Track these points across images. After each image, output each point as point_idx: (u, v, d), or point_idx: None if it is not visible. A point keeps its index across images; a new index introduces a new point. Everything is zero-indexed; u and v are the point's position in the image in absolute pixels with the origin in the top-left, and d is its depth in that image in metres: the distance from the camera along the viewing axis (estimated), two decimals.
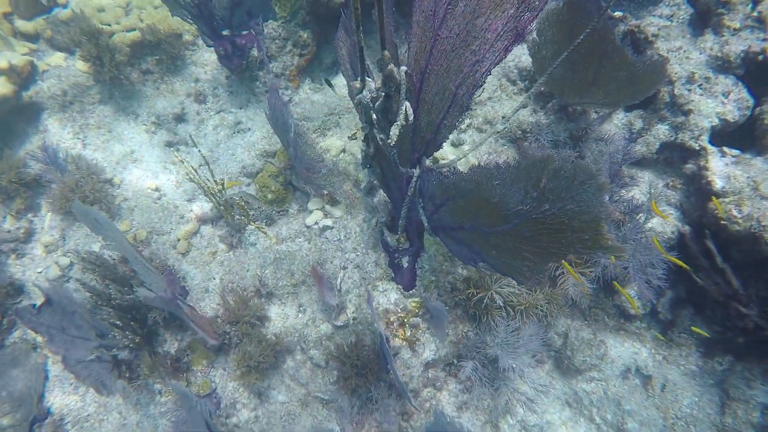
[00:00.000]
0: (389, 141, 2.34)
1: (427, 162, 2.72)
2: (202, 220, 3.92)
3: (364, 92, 2.38)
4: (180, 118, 4.36)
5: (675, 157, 3.73)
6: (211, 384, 3.48)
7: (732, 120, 3.46)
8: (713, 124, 3.46)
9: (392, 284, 3.42)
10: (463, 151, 3.92)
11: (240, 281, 3.68)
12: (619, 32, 3.97)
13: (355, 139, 3.90)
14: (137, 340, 3.18)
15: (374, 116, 2.64)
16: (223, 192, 3.38)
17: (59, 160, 3.80)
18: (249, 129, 4.32)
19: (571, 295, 3.40)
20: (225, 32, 4.09)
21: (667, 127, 3.66)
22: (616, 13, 4.06)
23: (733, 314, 3.39)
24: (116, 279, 3.28)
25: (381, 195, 3.50)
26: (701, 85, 3.53)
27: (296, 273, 3.63)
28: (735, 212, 3.06)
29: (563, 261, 3.40)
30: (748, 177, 3.23)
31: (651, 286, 3.35)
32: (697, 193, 3.54)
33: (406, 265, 3.33)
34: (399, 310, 3.33)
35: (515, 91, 4.25)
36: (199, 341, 3.41)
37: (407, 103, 2.39)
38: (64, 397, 3.58)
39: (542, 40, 3.50)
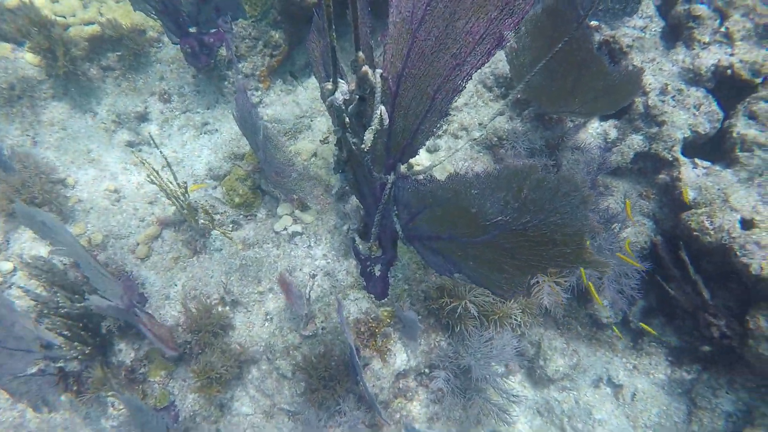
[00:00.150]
0: (363, 146, 2.23)
1: (402, 168, 2.62)
2: (165, 224, 3.71)
3: (336, 94, 2.26)
4: (143, 118, 4.14)
5: (648, 168, 3.75)
6: (169, 396, 3.28)
7: (703, 132, 3.50)
8: (685, 135, 3.50)
9: (364, 293, 3.31)
10: (439, 157, 3.85)
11: (203, 288, 3.49)
12: (595, 42, 3.98)
13: (328, 143, 3.77)
14: (88, 351, 2.96)
15: (347, 120, 2.52)
16: (187, 195, 3.20)
17: (3, 158, 3.52)
18: (216, 130, 4.13)
19: (545, 305, 3.37)
20: (192, 29, 3.89)
21: (641, 137, 3.68)
22: (592, 23, 4.07)
23: (701, 324, 3.42)
24: (65, 286, 3.05)
25: (353, 201, 3.38)
26: (674, 96, 3.57)
27: (263, 280, 3.47)
28: (707, 224, 3.08)
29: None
30: (719, 188, 3.27)
31: (624, 295, 3.35)
32: (670, 204, 3.57)
33: (378, 273, 3.22)
34: (370, 320, 3.21)
35: (491, 97, 4.21)
36: (157, 351, 3.21)
37: (382, 107, 2.29)
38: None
39: (520, 47, 3.47)
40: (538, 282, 3.34)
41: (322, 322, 3.27)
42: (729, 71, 3.52)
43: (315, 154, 3.74)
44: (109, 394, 3.22)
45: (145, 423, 2.88)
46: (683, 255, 3.20)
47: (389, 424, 3.09)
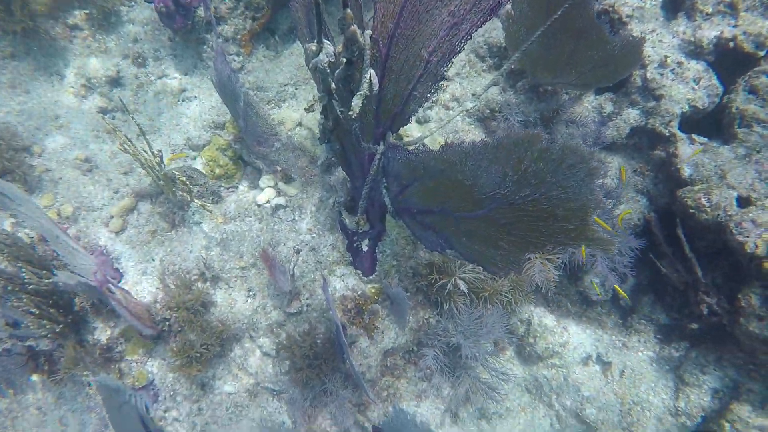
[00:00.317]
0: (350, 113, 2.07)
1: (392, 137, 2.47)
2: (140, 196, 3.51)
3: (321, 56, 2.09)
4: (115, 82, 3.87)
5: (644, 143, 3.65)
6: (147, 375, 3.16)
7: (701, 107, 3.40)
8: (683, 110, 3.39)
9: (350, 269, 3.19)
10: (430, 128, 3.69)
11: (182, 263, 3.33)
12: (594, 11, 3.81)
13: (313, 111, 3.55)
14: (58, 330, 2.80)
15: (333, 85, 2.35)
16: (162, 165, 3.00)
17: None
18: (195, 97, 3.89)
19: (536, 282, 3.29)
20: None
21: (638, 111, 3.56)
22: None
23: (691, 302, 3.39)
24: (32, 260, 2.87)
25: (340, 173, 3.22)
26: (673, 69, 3.44)
27: (245, 255, 3.33)
28: (704, 201, 3.00)
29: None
30: (716, 165, 3.19)
31: (617, 273, 3.29)
32: (666, 180, 3.49)
33: (365, 249, 3.10)
34: (357, 297, 3.10)
35: (484, 68, 4.03)
36: (134, 330, 3.06)
37: (372, 71, 2.12)
38: None
39: (517, 13, 3.29)
40: (529, 259, 3.25)
41: (307, 299, 3.15)
42: (731, 44, 3.39)
43: (300, 124, 3.55)
44: (84, 373, 3.09)
45: (122, 403, 2.75)
46: (680, 232, 3.13)
47: (376, 402, 3.02)
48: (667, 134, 3.44)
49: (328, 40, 2.07)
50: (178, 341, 3.01)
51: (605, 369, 3.51)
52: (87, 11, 3.78)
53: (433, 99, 3.84)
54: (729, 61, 3.49)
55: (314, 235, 3.30)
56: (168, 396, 3.13)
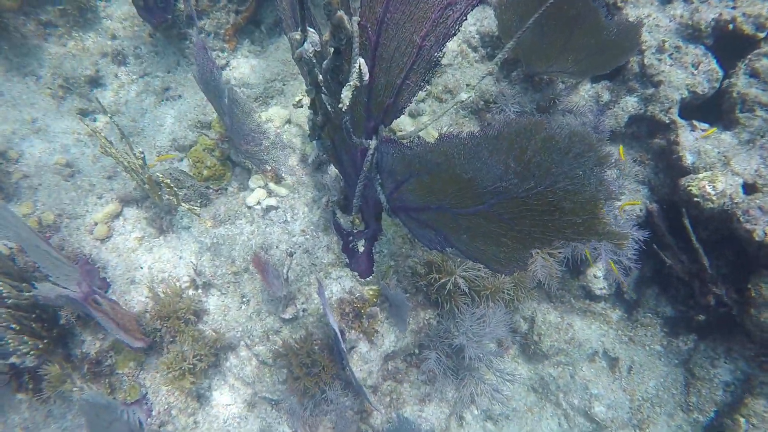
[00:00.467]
0: (340, 106, 1.94)
1: (385, 132, 2.34)
2: (126, 201, 3.37)
3: (306, 45, 1.96)
4: (95, 82, 3.72)
5: (643, 131, 3.56)
6: (140, 389, 3.02)
7: (701, 92, 3.30)
8: (683, 96, 3.30)
9: (346, 271, 3.06)
10: (423, 122, 3.57)
11: (172, 270, 3.20)
12: None
13: (302, 107, 3.44)
14: (41, 346, 2.66)
15: (321, 77, 2.22)
16: (146, 167, 2.86)
17: None
18: (180, 96, 3.75)
19: (539, 278, 3.19)
20: None
21: (636, 99, 3.47)
22: None
23: (697, 293, 3.30)
24: (11, 273, 2.72)
25: (332, 171, 3.10)
26: (671, 54, 3.34)
27: (237, 259, 3.20)
28: (709, 189, 2.91)
29: None
30: (719, 152, 3.10)
31: (621, 266, 3.20)
32: (667, 169, 3.39)
33: (361, 249, 2.98)
34: (355, 300, 2.99)
35: (476, 58, 3.92)
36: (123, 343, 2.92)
37: (361, 60, 1.99)
38: None
39: (509, 0, 3.17)
40: (531, 254, 3.15)
41: (302, 303, 3.03)
42: (731, 26, 3.30)
43: (289, 121, 3.42)
44: (73, 390, 2.95)
45: (113, 421, 2.62)
46: (686, 222, 3.04)
47: (379, 410, 2.91)
48: (667, 121, 3.35)
49: (313, 29, 1.94)
50: (169, 353, 2.87)
51: (612, 365, 3.42)
52: (61, 7, 3.61)
53: (427, 89, 3.73)
54: (728, 45, 3.40)
55: (308, 236, 3.18)
56: (162, 410, 2.99)
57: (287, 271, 3.04)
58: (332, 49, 2.01)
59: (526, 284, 3.19)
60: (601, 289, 3.51)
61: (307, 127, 3.03)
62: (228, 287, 3.17)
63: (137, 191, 3.33)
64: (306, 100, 3.49)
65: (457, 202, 2.02)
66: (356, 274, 3.04)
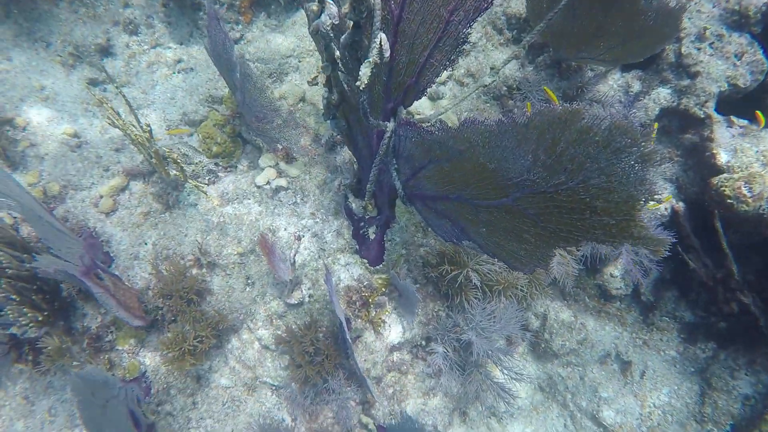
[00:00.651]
0: (358, 84, 1.81)
1: (404, 114, 2.21)
2: (132, 174, 3.28)
3: (323, 17, 1.82)
4: (106, 51, 3.60)
5: (674, 126, 3.37)
6: (140, 366, 2.97)
7: (743, 85, 3.10)
8: (721, 89, 3.09)
9: (356, 257, 2.96)
10: (443, 106, 3.41)
11: (177, 248, 3.12)
12: None
13: (317, 84, 3.30)
14: (41, 318, 2.61)
15: (338, 53, 2.08)
16: (152, 141, 2.76)
17: None
18: (192, 69, 3.63)
19: (554, 275, 3.06)
20: None
21: (669, 90, 3.27)
22: None
23: (720, 299, 3.15)
24: (14, 243, 2.66)
25: (346, 153, 2.97)
26: (712, 43, 3.13)
27: (244, 240, 3.11)
28: (744, 191, 2.74)
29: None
30: (758, 151, 2.91)
31: (642, 266, 3.05)
32: (697, 167, 3.21)
33: (373, 236, 2.87)
34: (363, 288, 2.89)
35: (501, 41, 3.74)
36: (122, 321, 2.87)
37: (382, 35, 1.84)
38: None
39: None
40: (554, 253, 3.01)
41: (309, 288, 2.94)
42: None
43: (303, 99, 3.29)
44: (74, 364, 2.91)
45: (110, 398, 2.58)
46: (717, 224, 2.88)
47: (382, 402, 2.83)
48: (702, 116, 3.15)
49: (331, 0, 1.80)
50: (170, 333, 2.81)
51: (625, 368, 3.30)
52: None
53: (446, 75, 3.56)
54: None
55: (317, 220, 3.07)
56: (161, 389, 2.95)
57: (294, 255, 2.94)
58: (351, 23, 1.87)
59: (541, 281, 3.07)
60: (617, 289, 3.37)
61: (321, 106, 2.90)
62: (233, 268, 3.08)
63: (144, 165, 3.24)
64: (321, 78, 3.35)
65: (478, 193, 1.89)
66: (366, 261, 2.93)
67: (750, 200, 2.72)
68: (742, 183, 2.75)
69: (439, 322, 2.98)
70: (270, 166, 3.18)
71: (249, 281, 3.06)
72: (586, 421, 3.22)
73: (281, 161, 3.17)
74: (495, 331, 2.86)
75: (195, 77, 3.57)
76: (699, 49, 3.15)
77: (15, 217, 2.98)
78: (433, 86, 3.43)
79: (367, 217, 2.86)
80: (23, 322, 2.52)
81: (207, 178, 3.21)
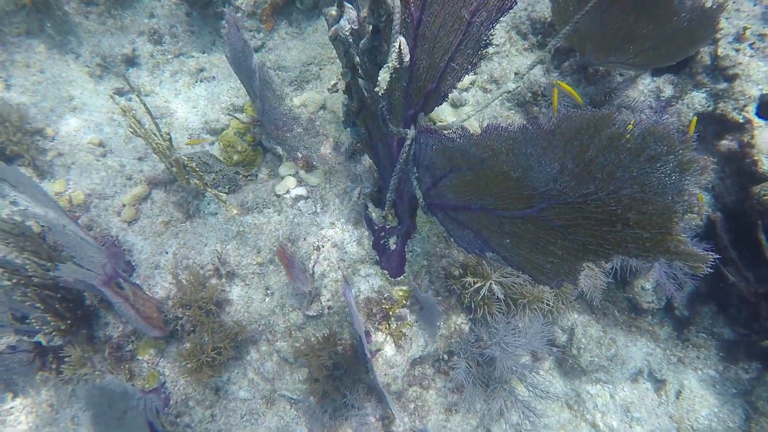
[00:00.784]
0: (377, 89, 1.75)
1: (424, 121, 2.14)
2: (154, 183, 3.30)
3: (342, 21, 1.78)
4: (131, 61, 3.66)
5: (708, 132, 3.21)
6: (159, 377, 2.96)
7: None
8: (763, 92, 2.93)
9: (376, 268, 2.89)
10: (466, 112, 3.33)
11: (197, 257, 3.11)
12: None
13: (337, 91, 3.26)
14: (63, 327, 2.62)
15: (358, 59, 2.03)
16: (172, 149, 2.77)
17: None
18: (214, 77, 3.65)
19: (581, 288, 2.94)
20: None
21: (704, 95, 3.12)
22: None
23: (762, 315, 2.96)
24: (40, 252, 2.69)
25: (366, 161, 2.92)
26: (753, 44, 2.97)
27: (263, 250, 3.08)
28: None
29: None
30: None
31: (676, 280, 2.89)
32: (736, 175, 3.04)
33: (393, 247, 2.80)
34: (383, 300, 2.81)
35: (526, 46, 3.65)
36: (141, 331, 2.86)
37: (402, 39, 1.79)
38: None
39: None
40: (582, 267, 2.89)
41: (328, 300, 2.88)
42: None
43: (323, 107, 3.26)
44: (95, 374, 2.92)
45: (129, 409, 2.56)
46: (761, 236, 2.71)
47: (402, 418, 2.74)
48: (742, 120, 2.99)
49: (351, 4, 1.75)
50: (189, 343, 2.79)
51: (658, 387, 3.13)
52: None
53: (469, 80, 3.48)
54: None
55: (337, 229, 3.02)
56: (180, 400, 2.93)
57: (313, 266, 2.90)
58: (370, 27, 1.82)
59: (567, 295, 2.94)
60: (649, 302, 3.21)
61: (341, 114, 2.86)
62: (252, 278, 3.06)
63: (166, 174, 3.26)
64: (341, 85, 3.32)
65: (502, 204, 1.81)
66: (386, 272, 2.86)
67: None
68: None
69: (462, 336, 2.88)
70: (290, 175, 3.15)
71: (268, 292, 3.03)
72: None
73: (301, 170, 3.14)
74: (520, 346, 2.75)
75: (217, 86, 3.59)
76: (738, 50, 3.00)
77: (43, 226, 3.02)
78: (455, 92, 3.37)
79: (387, 227, 2.79)
80: (47, 331, 2.54)
81: (227, 186, 3.20)
